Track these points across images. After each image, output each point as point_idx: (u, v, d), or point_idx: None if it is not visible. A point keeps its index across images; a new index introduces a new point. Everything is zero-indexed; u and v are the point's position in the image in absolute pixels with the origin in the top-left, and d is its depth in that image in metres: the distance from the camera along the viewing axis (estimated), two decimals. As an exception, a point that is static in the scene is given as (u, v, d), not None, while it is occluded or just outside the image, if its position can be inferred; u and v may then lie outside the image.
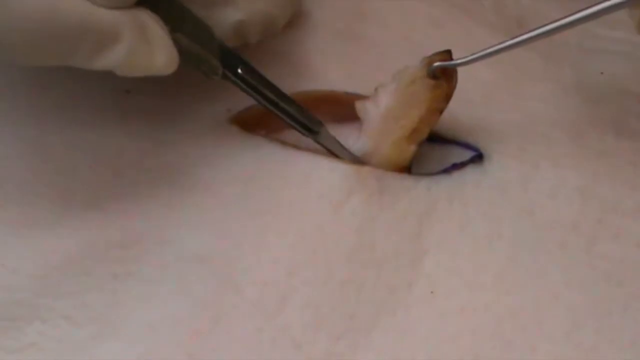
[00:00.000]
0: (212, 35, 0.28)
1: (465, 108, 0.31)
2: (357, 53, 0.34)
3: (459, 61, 0.28)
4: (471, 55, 0.28)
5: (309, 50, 0.33)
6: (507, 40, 0.27)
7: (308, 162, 0.30)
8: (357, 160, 0.30)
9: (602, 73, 0.33)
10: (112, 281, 0.27)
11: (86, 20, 0.23)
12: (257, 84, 0.29)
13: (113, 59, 0.24)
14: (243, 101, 0.31)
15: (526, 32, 0.26)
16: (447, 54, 0.28)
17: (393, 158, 0.30)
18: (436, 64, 0.28)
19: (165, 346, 0.26)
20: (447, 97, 0.29)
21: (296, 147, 0.30)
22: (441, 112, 0.29)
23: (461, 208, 0.30)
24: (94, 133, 0.30)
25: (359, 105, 0.30)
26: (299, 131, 0.30)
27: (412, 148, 0.30)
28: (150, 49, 0.25)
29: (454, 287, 0.28)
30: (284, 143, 0.30)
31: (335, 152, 0.30)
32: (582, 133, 0.31)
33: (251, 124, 0.31)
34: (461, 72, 0.29)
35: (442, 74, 0.29)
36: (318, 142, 0.30)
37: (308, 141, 0.30)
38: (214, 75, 0.28)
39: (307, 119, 0.30)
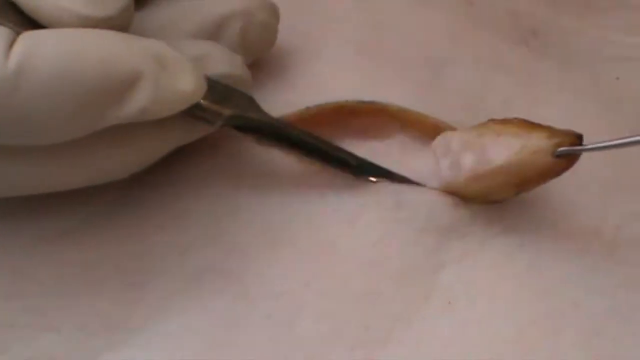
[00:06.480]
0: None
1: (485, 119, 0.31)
2: (373, 64, 0.34)
3: (587, 147, 0.27)
4: (600, 142, 0.26)
5: (324, 62, 0.33)
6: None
7: (323, 176, 0.30)
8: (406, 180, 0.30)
9: (617, 78, 0.33)
10: (127, 291, 0.27)
11: (105, 68, 0.21)
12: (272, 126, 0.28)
13: (142, 98, 0.22)
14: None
15: None
16: (577, 139, 0.27)
17: (490, 194, 0.29)
18: (562, 148, 0.27)
19: (181, 357, 0.26)
20: (562, 172, 0.28)
21: (312, 162, 0.30)
22: (551, 179, 0.28)
23: (483, 224, 0.29)
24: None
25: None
26: (339, 169, 0.29)
27: (513, 193, 0.29)
28: (173, 77, 0.23)
29: (473, 297, 0.28)
30: (300, 157, 0.30)
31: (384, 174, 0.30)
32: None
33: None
34: (476, 81, 0.29)
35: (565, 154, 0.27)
36: (362, 175, 0.30)
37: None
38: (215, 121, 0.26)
39: (343, 153, 0.29)
